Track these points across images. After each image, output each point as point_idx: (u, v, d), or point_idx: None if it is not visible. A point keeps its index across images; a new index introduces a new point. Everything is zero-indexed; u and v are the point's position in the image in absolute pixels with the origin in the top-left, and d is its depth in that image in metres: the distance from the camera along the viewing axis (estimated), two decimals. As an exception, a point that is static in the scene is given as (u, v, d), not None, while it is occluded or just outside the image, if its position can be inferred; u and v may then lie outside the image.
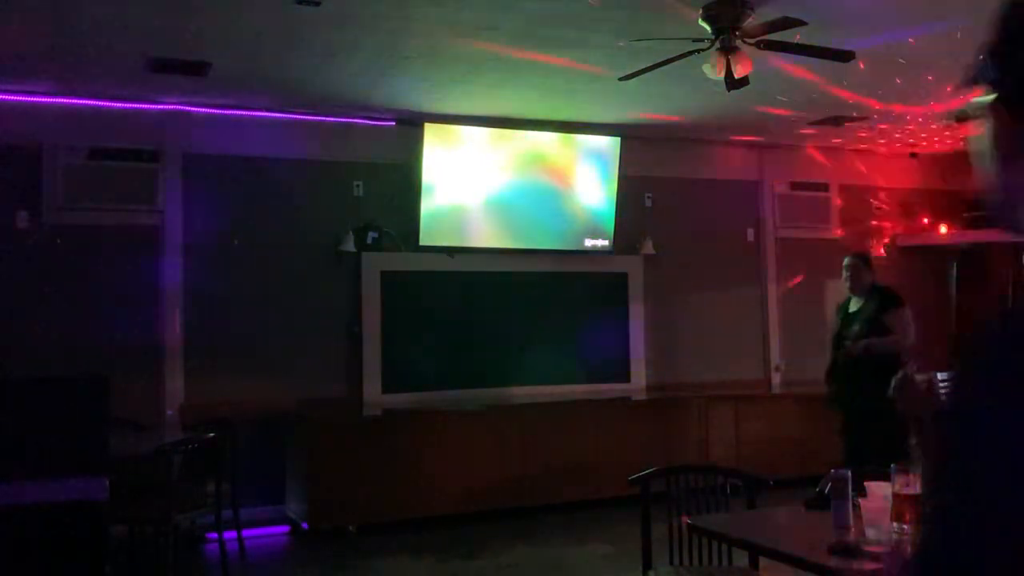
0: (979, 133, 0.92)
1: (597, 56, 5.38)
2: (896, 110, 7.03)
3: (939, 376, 2.16)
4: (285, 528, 6.43)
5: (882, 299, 5.55)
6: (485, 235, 7.13)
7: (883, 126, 7.60)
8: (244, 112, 6.56)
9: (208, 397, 6.33)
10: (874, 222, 8.69)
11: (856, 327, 5.50)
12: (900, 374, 2.27)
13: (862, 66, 5.45)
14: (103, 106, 6.21)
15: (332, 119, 6.77)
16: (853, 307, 5.65)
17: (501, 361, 7.21)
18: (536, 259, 7.33)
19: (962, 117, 1.16)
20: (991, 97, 0.90)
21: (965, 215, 8.65)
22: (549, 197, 7.33)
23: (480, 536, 6.11)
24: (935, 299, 8.07)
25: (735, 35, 4.58)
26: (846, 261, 5.75)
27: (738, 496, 3.65)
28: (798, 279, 8.32)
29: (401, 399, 6.83)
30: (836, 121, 7.33)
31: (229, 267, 6.53)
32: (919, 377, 2.21)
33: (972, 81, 0.92)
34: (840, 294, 5.99)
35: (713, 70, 4.69)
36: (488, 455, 6.55)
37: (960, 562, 0.71)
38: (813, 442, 7.00)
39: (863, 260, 5.73)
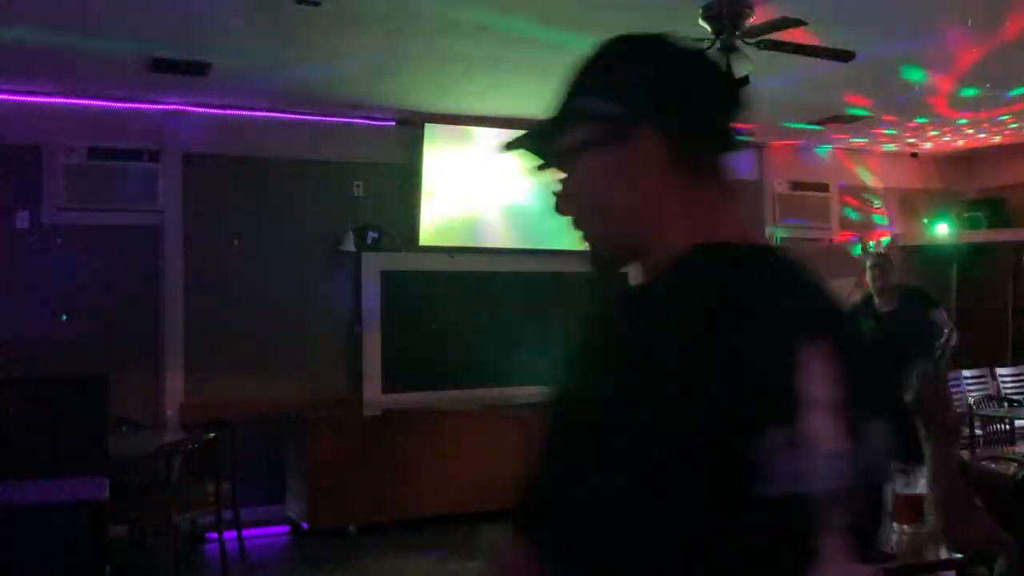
0: (598, 167, 1.02)
1: (597, 56, 5.37)
2: (896, 110, 7.03)
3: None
4: (285, 528, 6.43)
5: (923, 299, 5.39)
6: (485, 235, 7.13)
7: (883, 125, 7.60)
8: (244, 112, 6.56)
9: (208, 397, 6.33)
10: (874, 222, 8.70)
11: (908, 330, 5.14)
12: (922, 370, 2.01)
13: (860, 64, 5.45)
14: (103, 106, 6.21)
15: (332, 119, 6.76)
16: (885, 308, 5.33)
17: (501, 361, 7.20)
18: (536, 259, 7.33)
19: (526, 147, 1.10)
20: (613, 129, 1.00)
21: (965, 215, 8.66)
22: (548, 197, 7.30)
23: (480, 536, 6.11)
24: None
25: (735, 35, 4.57)
26: (873, 261, 5.47)
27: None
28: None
29: (401, 399, 6.83)
30: (837, 121, 7.33)
31: (229, 267, 6.53)
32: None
33: (580, 118, 1.03)
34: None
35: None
36: (488, 455, 6.54)
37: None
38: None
39: (889, 260, 5.44)
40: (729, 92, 1.06)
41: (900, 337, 5.08)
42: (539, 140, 1.10)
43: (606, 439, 0.84)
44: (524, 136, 1.10)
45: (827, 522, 0.86)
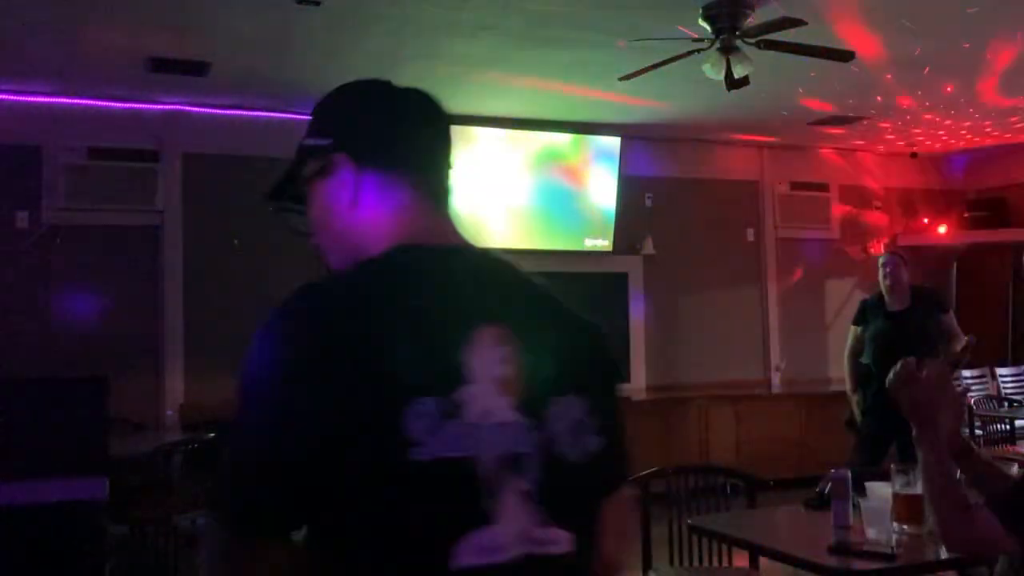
0: (319, 194, 1.17)
1: (597, 56, 5.38)
2: (896, 109, 7.03)
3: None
4: (285, 528, 6.43)
5: (938, 301, 5.37)
6: (484, 235, 7.12)
7: (883, 125, 7.60)
8: (244, 112, 6.56)
9: (208, 397, 6.32)
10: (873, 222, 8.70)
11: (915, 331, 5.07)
12: (901, 365, 2.02)
13: (858, 66, 5.45)
14: (103, 106, 6.21)
15: (332, 119, 6.76)
16: (895, 307, 5.22)
17: (501, 361, 7.20)
18: (536, 259, 7.32)
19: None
20: (328, 157, 1.14)
21: (965, 215, 8.67)
22: (548, 197, 7.33)
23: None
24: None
25: (735, 35, 4.58)
26: (885, 259, 5.32)
27: (738, 496, 3.65)
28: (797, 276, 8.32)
29: (401, 399, 6.81)
30: (836, 121, 7.33)
31: (229, 267, 6.52)
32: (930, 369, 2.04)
33: (308, 153, 1.19)
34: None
35: (713, 70, 4.69)
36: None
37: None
38: (813, 442, 7.00)
39: (903, 259, 5.30)
40: (431, 120, 1.19)
41: (910, 337, 4.99)
42: (288, 179, 1.24)
43: (272, 422, 0.98)
44: (278, 178, 1.26)
45: (499, 486, 0.95)
